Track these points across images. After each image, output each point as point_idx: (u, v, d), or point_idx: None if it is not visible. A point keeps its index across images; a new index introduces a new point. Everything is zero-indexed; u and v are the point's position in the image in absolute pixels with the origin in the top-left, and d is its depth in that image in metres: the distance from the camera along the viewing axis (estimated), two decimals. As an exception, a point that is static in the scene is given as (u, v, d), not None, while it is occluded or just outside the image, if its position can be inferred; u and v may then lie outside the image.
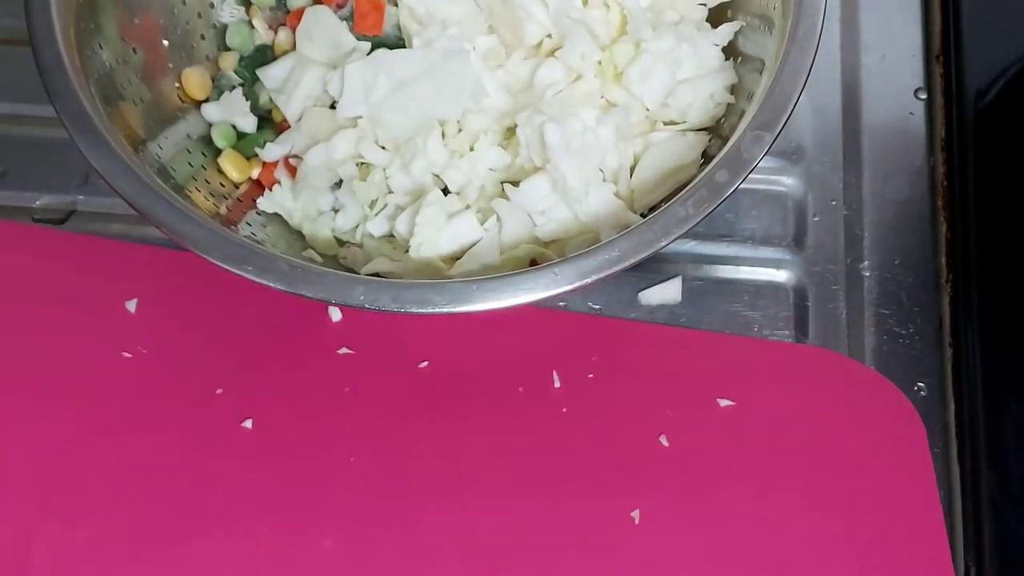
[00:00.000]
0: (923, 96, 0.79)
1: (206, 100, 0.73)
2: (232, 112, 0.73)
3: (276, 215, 0.71)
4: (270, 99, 0.73)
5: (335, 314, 0.72)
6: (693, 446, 0.68)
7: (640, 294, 0.73)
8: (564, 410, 0.69)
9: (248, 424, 0.69)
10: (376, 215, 0.69)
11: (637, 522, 0.67)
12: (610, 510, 0.67)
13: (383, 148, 0.69)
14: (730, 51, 0.71)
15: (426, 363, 0.71)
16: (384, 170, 0.69)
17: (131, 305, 0.72)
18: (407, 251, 0.67)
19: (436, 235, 0.66)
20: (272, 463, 0.68)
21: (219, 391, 0.70)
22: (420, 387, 0.70)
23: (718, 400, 0.70)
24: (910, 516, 0.67)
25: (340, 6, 0.74)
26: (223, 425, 0.69)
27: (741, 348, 0.72)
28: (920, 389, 0.71)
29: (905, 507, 0.67)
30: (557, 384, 0.70)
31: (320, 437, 0.69)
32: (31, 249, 0.74)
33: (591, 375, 0.70)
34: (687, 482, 0.68)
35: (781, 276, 0.74)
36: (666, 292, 0.73)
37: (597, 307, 0.73)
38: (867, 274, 0.74)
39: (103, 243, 0.74)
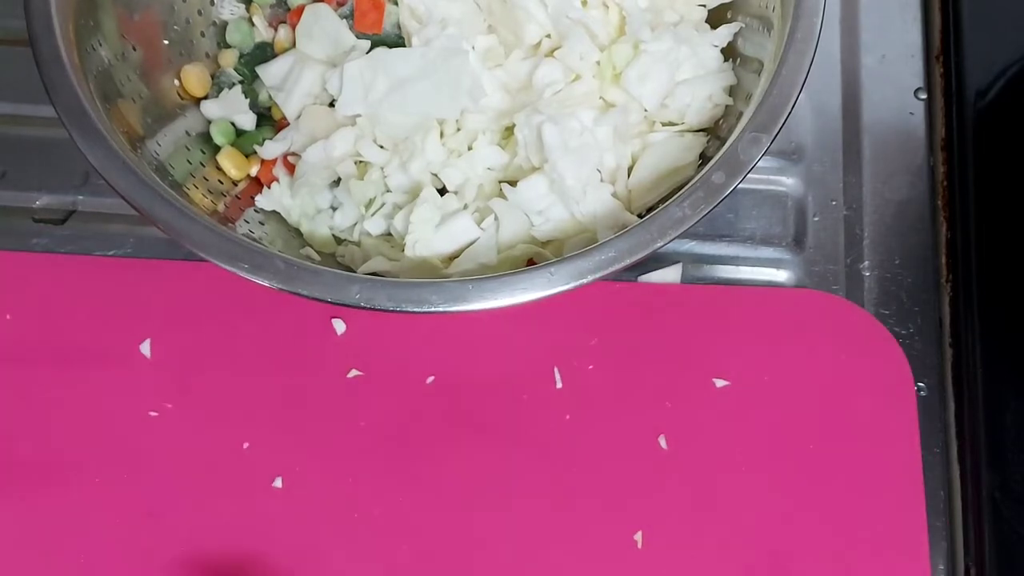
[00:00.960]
0: (923, 96, 0.78)
1: (205, 97, 0.73)
2: (231, 109, 0.73)
3: (274, 213, 0.71)
4: (269, 96, 0.74)
5: (339, 326, 0.71)
6: (692, 445, 0.68)
7: (640, 278, 0.73)
8: (567, 417, 0.69)
9: (279, 483, 0.68)
10: (373, 214, 0.69)
11: (640, 546, 0.67)
12: (613, 534, 0.67)
13: (381, 147, 0.69)
14: (729, 52, 0.71)
15: (432, 378, 0.70)
16: (382, 169, 0.69)
17: (145, 348, 0.71)
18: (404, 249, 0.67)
19: (431, 233, 0.66)
20: (300, 511, 0.68)
21: (246, 445, 0.69)
22: (429, 407, 0.69)
23: (714, 380, 0.70)
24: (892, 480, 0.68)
25: (340, 4, 0.74)
26: (254, 482, 0.68)
27: (732, 299, 0.72)
28: (920, 389, 0.71)
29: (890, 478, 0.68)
30: (559, 384, 0.70)
31: (342, 479, 0.68)
32: (28, 299, 0.72)
33: (591, 366, 0.70)
34: (688, 493, 0.68)
35: (781, 276, 0.74)
36: (665, 276, 0.73)
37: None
38: (867, 274, 0.74)
39: (99, 276, 0.73)
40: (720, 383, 0.70)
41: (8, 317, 0.72)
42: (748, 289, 0.73)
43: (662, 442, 0.68)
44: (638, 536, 0.67)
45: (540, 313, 0.71)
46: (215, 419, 0.69)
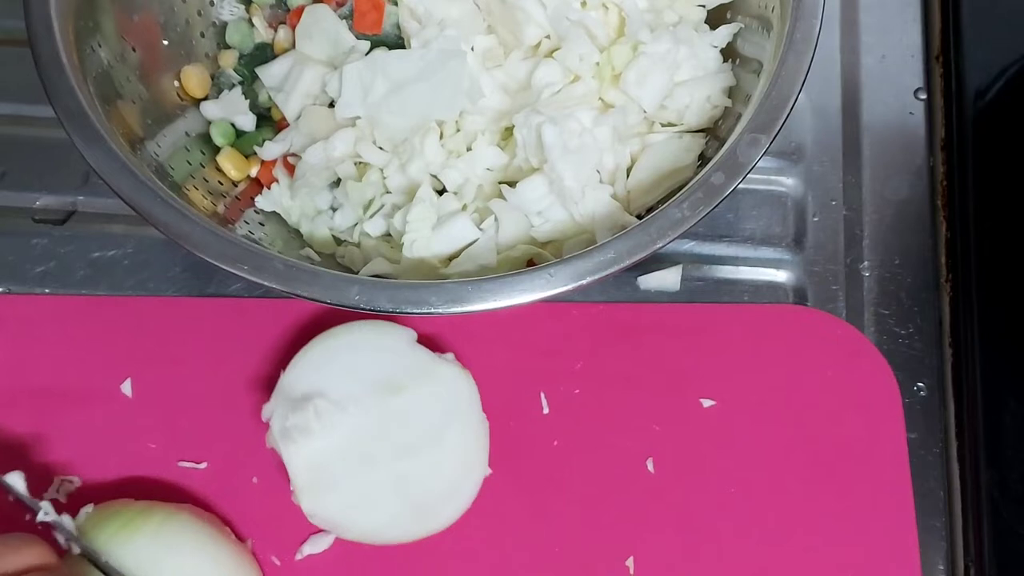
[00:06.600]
0: (923, 96, 0.78)
1: (205, 98, 0.73)
2: (231, 110, 0.73)
3: (274, 213, 0.71)
4: (269, 97, 0.73)
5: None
6: (680, 468, 0.68)
7: (639, 279, 0.73)
8: (555, 443, 0.69)
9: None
10: (372, 215, 0.69)
11: (632, 572, 0.66)
12: (605, 560, 0.66)
13: (381, 148, 0.69)
14: (728, 53, 0.71)
15: None
16: (381, 170, 0.69)
17: (127, 387, 0.69)
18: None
19: (428, 233, 0.66)
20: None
21: (255, 480, 0.68)
22: None
23: (701, 401, 0.69)
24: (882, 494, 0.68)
25: (340, 5, 0.74)
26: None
27: (715, 319, 0.72)
28: (920, 389, 0.71)
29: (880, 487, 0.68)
30: (546, 410, 0.69)
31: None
32: (5, 341, 0.71)
33: (577, 390, 0.70)
34: (678, 515, 0.67)
35: (781, 276, 0.74)
36: (665, 278, 0.73)
37: (596, 296, 0.73)
38: (867, 274, 0.74)
39: (77, 315, 0.71)
40: (707, 403, 0.70)
41: None
42: (731, 307, 0.73)
43: (649, 465, 0.68)
44: (630, 562, 0.66)
45: (525, 338, 0.71)
46: (200, 458, 0.68)
